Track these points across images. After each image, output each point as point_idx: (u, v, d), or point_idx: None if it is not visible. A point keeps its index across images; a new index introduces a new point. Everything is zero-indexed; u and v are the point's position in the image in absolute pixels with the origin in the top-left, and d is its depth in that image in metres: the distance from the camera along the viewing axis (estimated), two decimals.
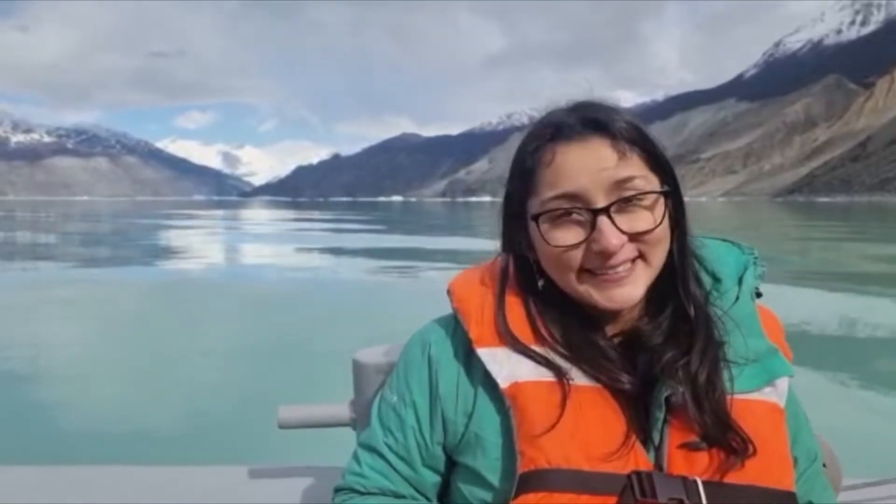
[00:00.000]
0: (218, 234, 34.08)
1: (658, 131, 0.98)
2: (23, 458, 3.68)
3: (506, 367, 0.81)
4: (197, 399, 5.33)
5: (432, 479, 0.88)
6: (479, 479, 0.82)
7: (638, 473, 0.74)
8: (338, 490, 0.91)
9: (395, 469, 0.87)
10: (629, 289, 0.80)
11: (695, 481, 0.74)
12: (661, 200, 0.81)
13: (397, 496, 0.87)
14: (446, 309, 0.93)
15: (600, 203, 0.78)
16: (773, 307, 0.93)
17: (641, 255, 0.80)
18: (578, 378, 0.81)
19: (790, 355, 0.87)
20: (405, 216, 68.78)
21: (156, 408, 5.11)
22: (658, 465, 0.77)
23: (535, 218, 0.82)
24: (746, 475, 0.76)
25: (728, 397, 0.79)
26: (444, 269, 14.36)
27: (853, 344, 7.61)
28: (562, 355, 0.82)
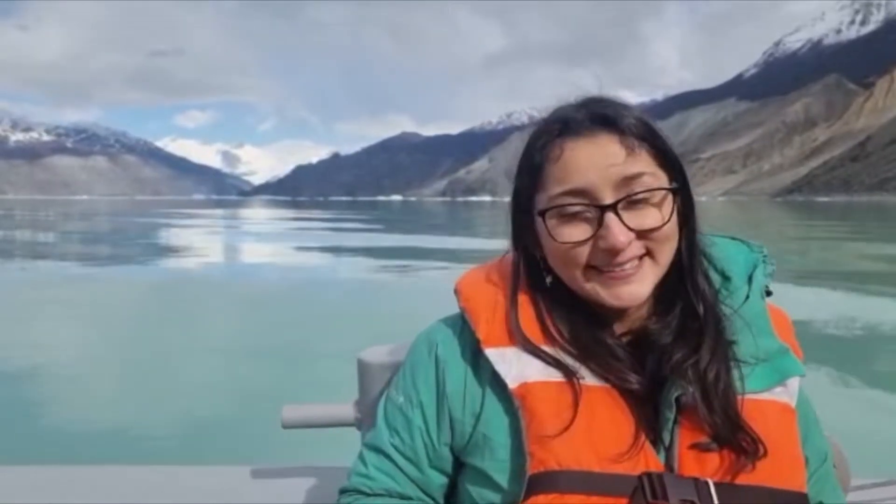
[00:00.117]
0: (219, 232, 34.05)
1: None
2: (22, 458, 3.69)
3: (514, 367, 0.81)
4: (200, 398, 5.32)
5: (439, 481, 0.88)
6: (487, 481, 0.81)
7: (649, 475, 0.74)
8: (343, 491, 0.90)
9: (401, 470, 0.87)
10: (636, 286, 0.79)
11: (706, 483, 0.74)
12: (670, 197, 0.80)
13: (404, 498, 0.87)
14: (447, 307, 0.92)
15: (608, 199, 0.77)
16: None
17: (649, 253, 0.80)
18: (587, 378, 0.80)
19: (801, 354, 0.86)
20: (405, 216, 68.73)
21: (159, 407, 5.10)
22: (668, 466, 0.76)
23: (543, 214, 0.81)
24: (757, 476, 0.75)
25: (739, 397, 0.79)
26: (444, 269, 14.36)
27: (854, 343, 7.60)
28: (570, 354, 0.82)
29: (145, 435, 4.46)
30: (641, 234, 0.78)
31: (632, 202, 0.78)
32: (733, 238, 0.94)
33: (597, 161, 0.78)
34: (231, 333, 8.24)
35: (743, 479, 0.75)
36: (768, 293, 0.90)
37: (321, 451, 1.62)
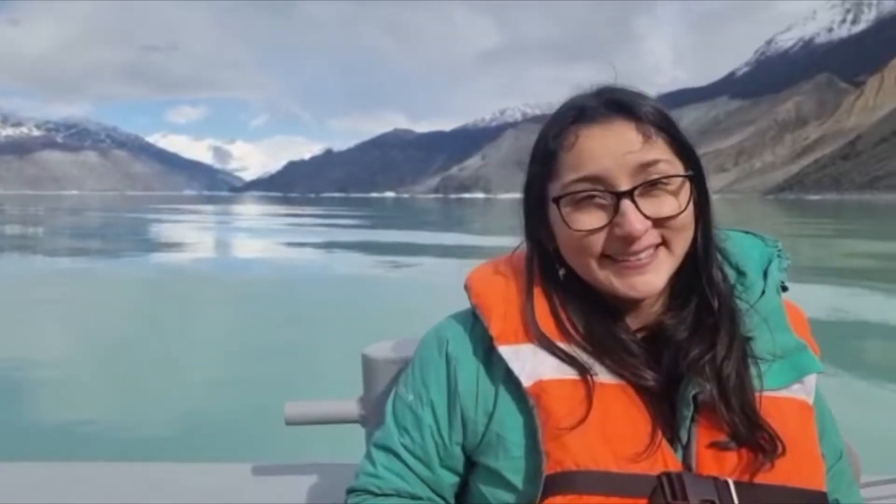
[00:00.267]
0: (211, 228, 33.93)
1: None
2: (23, 455, 3.67)
3: (528, 364, 0.79)
4: (199, 394, 5.31)
5: (450, 480, 0.86)
6: (500, 481, 0.80)
7: (668, 475, 0.72)
8: (351, 491, 0.88)
9: (411, 470, 0.85)
10: (651, 276, 0.78)
11: (726, 482, 0.73)
12: (687, 186, 0.78)
13: (414, 498, 0.85)
14: (445, 302, 0.90)
15: (624, 186, 0.76)
16: None
17: (664, 242, 0.78)
18: (602, 375, 0.79)
19: (818, 351, 0.85)
20: (397, 212, 68.65)
21: (160, 404, 5.08)
22: (686, 465, 0.75)
23: (557, 201, 0.79)
24: (776, 475, 0.74)
25: (756, 395, 0.77)
26: (439, 265, 14.37)
27: (843, 338, 7.65)
28: (585, 350, 0.80)
29: (145, 432, 4.45)
30: (658, 223, 0.77)
31: (648, 189, 0.76)
32: (747, 232, 0.92)
33: (612, 148, 0.76)
34: (229, 329, 8.23)
35: (762, 479, 0.74)
36: (784, 288, 0.88)
37: (322, 448, 1.58)
